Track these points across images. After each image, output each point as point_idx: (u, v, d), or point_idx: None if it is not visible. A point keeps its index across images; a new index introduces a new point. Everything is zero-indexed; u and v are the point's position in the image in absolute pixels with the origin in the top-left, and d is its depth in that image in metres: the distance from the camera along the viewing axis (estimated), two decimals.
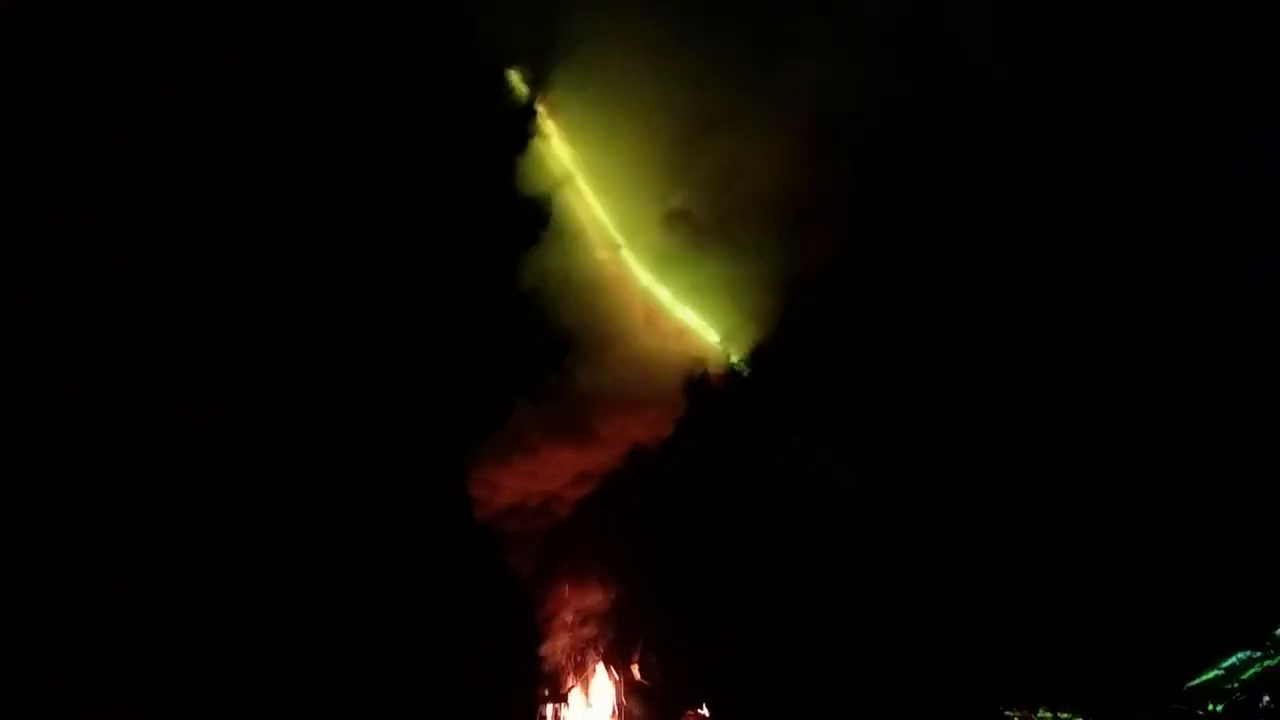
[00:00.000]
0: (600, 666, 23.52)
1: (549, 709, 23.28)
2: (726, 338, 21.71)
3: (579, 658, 23.43)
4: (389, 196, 23.91)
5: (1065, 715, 20.65)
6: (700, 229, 20.94)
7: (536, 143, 22.04)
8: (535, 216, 22.36)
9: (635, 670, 23.52)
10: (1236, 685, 19.64)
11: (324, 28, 23.73)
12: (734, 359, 21.81)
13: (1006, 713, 21.33)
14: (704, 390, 22.04)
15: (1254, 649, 19.57)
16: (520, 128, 22.27)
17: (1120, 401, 22.35)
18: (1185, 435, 21.82)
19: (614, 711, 23.35)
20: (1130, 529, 21.78)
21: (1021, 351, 22.56)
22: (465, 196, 23.47)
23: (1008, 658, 21.75)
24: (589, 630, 23.43)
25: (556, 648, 23.35)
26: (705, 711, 23.01)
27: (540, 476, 22.68)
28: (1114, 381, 22.40)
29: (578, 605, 23.34)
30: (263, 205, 23.96)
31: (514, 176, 22.25)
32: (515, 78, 22.08)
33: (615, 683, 23.48)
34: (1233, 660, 19.81)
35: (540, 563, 23.20)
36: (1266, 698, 19.43)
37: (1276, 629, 19.84)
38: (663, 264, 21.43)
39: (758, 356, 21.81)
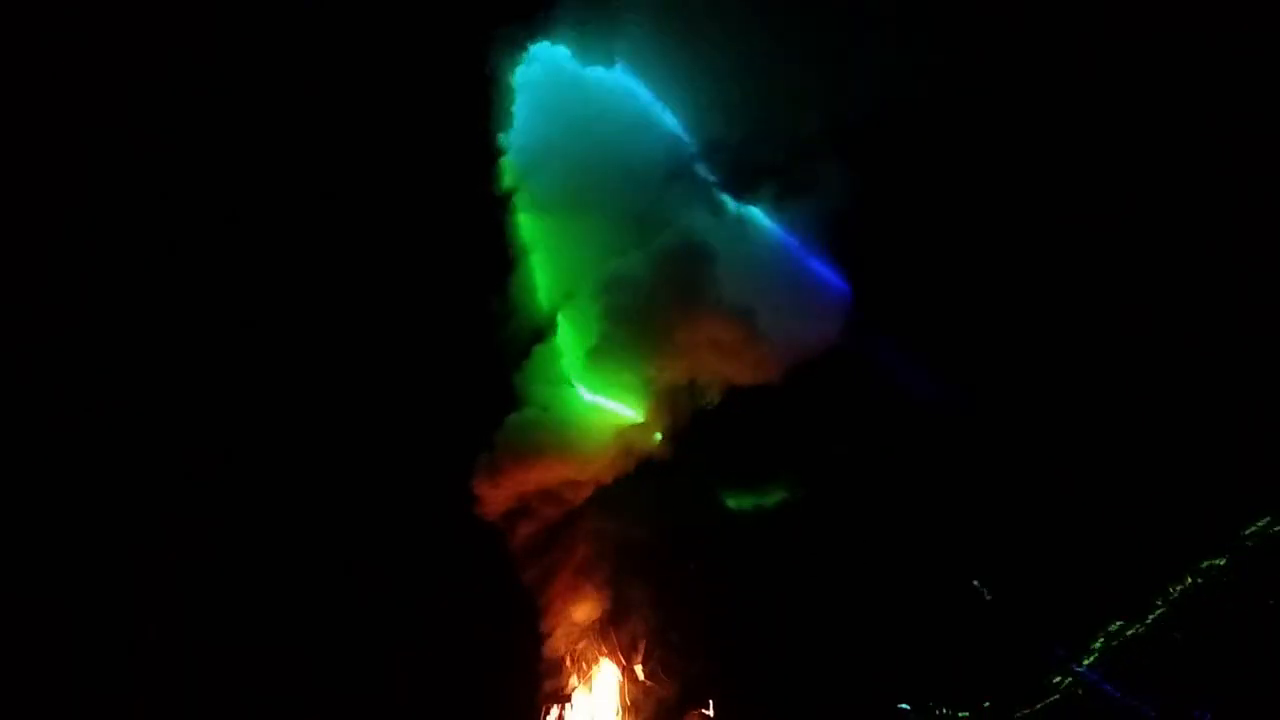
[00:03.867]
0: (604, 666, 23.56)
1: (553, 708, 23.29)
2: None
3: (583, 657, 23.51)
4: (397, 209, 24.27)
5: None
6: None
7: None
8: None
9: (640, 670, 23.56)
10: None
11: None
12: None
13: None
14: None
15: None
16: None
17: None
18: None
19: (618, 711, 23.34)
20: None
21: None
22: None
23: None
24: (593, 630, 23.49)
25: (561, 647, 23.45)
26: (710, 711, 23.20)
27: (536, 476, 22.82)
28: None
29: (582, 605, 23.42)
30: (268, 213, 24.19)
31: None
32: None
33: (619, 682, 23.50)
34: None
35: (545, 563, 23.26)
36: None
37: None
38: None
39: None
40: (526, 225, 23.21)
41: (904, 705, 22.44)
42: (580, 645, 23.62)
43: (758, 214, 22.89)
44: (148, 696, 22.68)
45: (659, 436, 23.00)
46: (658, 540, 23.53)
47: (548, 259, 23.24)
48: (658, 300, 21.85)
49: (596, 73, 23.12)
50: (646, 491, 23.32)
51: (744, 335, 22.16)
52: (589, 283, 22.77)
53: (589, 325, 22.62)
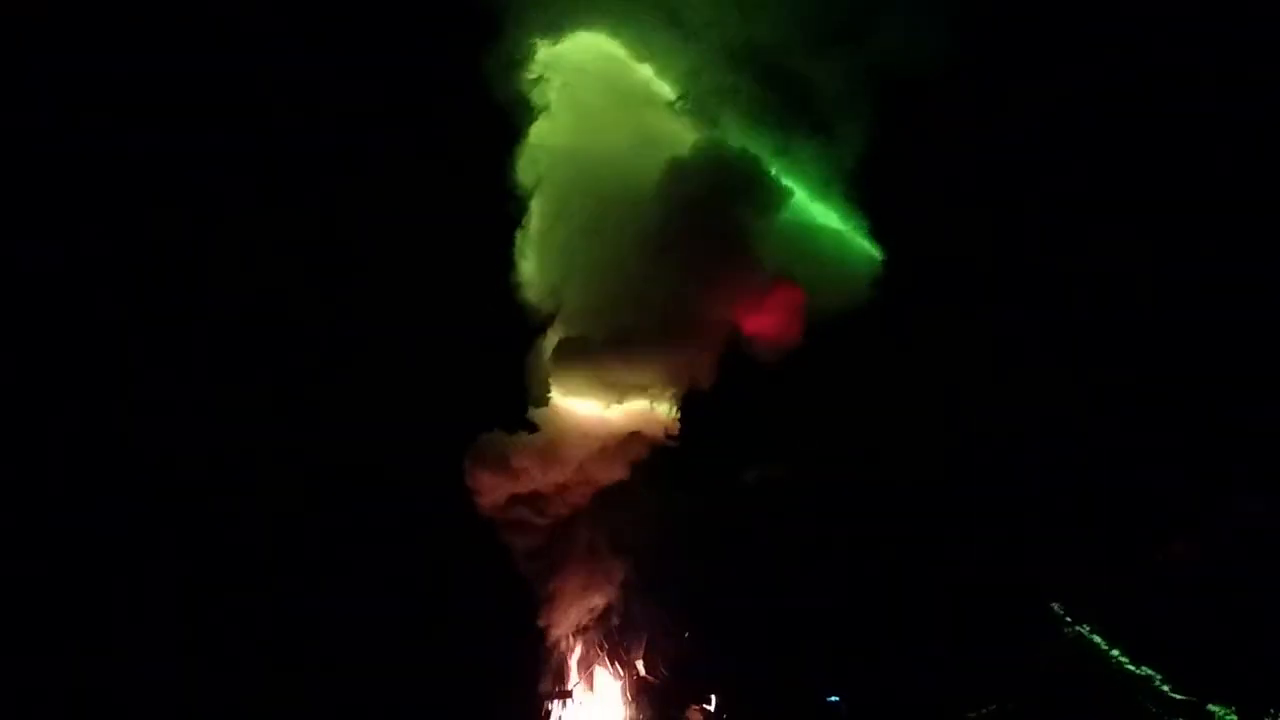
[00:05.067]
0: (605, 662, 23.49)
1: (554, 705, 23.25)
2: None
3: (583, 653, 23.43)
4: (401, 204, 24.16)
5: None
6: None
7: None
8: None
9: (640, 666, 23.50)
10: None
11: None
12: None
13: None
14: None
15: None
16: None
17: None
18: None
19: (618, 708, 23.30)
20: None
21: None
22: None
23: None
24: (594, 626, 23.39)
25: (561, 644, 23.35)
26: (710, 707, 23.14)
27: (537, 475, 22.54)
28: None
29: (582, 602, 23.34)
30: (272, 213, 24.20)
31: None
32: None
33: (620, 679, 23.46)
34: None
35: (545, 559, 23.17)
36: None
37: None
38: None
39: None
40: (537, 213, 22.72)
41: (833, 698, 22.26)
42: (580, 641, 23.51)
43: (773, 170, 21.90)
44: (147, 696, 22.72)
45: (670, 418, 22.22)
46: (659, 534, 23.40)
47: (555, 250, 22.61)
48: (690, 254, 20.46)
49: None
50: (647, 484, 23.11)
51: (772, 297, 21.15)
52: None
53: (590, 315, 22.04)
